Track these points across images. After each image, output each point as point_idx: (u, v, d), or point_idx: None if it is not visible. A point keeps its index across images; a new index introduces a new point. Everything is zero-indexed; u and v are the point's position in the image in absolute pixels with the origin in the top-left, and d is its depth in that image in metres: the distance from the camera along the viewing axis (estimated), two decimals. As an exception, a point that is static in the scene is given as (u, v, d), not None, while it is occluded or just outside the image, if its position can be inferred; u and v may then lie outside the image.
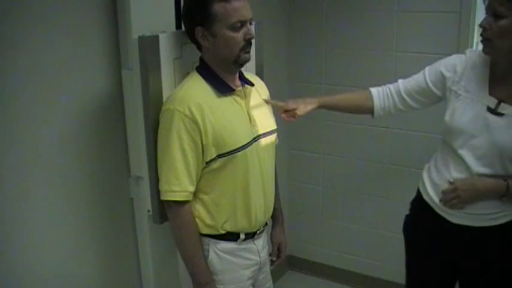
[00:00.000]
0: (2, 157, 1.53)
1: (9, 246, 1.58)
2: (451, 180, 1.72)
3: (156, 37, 1.63)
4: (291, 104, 1.81)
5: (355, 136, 2.86)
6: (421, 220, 1.89)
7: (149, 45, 1.61)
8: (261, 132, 1.72)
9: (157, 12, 1.77)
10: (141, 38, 1.60)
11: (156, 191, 1.66)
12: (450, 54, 1.85)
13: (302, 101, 1.83)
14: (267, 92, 1.86)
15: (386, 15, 2.63)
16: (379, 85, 1.96)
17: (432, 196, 1.79)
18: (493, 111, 1.64)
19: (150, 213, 1.76)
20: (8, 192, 1.56)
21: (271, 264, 1.96)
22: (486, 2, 1.58)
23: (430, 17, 2.51)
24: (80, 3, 1.69)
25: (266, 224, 1.83)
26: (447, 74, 1.75)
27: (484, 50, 1.64)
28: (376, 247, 2.97)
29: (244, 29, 1.58)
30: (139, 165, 1.75)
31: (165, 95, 1.66)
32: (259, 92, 1.79)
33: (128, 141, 1.87)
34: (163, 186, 1.61)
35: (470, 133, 1.67)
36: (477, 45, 2.59)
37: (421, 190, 1.86)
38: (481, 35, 1.60)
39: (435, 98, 1.82)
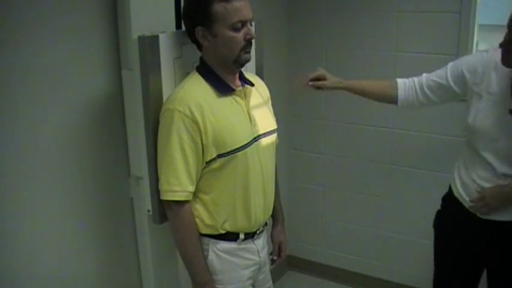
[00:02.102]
0: (2, 157, 1.53)
1: (9, 246, 1.58)
2: (478, 189, 1.75)
3: (156, 37, 1.63)
4: (322, 72, 1.90)
5: (355, 136, 2.86)
6: (451, 214, 1.92)
7: (149, 45, 1.61)
8: (261, 132, 1.72)
9: (157, 12, 1.77)
10: (141, 38, 1.60)
11: (156, 191, 1.66)
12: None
13: (331, 76, 1.90)
14: (267, 92, 1.86)
15: (386, 15, 2.63)
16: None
17: (461, 193, 1.82)
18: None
19: (150, 213, 1.76)
20: (8, 192, 1.56)
21: (272, 264, 1.96)
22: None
23: (430, 17, 2.51)
24: (80, 3, 1.69)
25: (266, 224, 1.83)
26: (468, 75, 1.75)
27: (503, 62, 1.63)
28: (376, 247, 2.97)
29: (244, 29, 1.58)
30: (139, 165, 1.75)
31: (165, 95, 1.66)
32: (259, 92, 1.79)
33: (128, 141, 1.87)
34: (163, 186, 1.61)
35: (493, 136, 1.69)
36: (477, 45, 2.60)
37: (452, 187, 1.90)
38: (502, 53, 1.60)
39: (455, 95, 1.82)
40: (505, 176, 1.69)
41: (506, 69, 1.66)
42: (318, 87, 1.92)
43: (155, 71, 1.64)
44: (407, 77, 1.96)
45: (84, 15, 1.71)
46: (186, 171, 1.58)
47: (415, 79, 1.90)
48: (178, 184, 1.59)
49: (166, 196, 1.60)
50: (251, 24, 1.61)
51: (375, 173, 2.86)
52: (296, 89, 1.89)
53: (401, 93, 1.90)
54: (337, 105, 2.84)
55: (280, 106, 2.78)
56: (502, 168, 1.69)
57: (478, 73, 1.73)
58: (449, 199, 1.91)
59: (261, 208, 1.73)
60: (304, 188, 3.13)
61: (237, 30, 1.56)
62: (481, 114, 1.71)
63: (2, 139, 1.53)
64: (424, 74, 1.91)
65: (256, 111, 1.72)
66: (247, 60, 1.63)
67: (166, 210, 1.65)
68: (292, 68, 2.96)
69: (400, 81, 1.92)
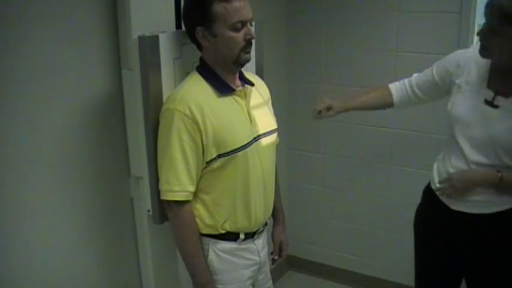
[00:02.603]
0: (2, 157, 1.53)
1: (9, 246, 1.58)
2: (449, 171, 1.81)
3: (156, 37, 1.63)
4: (328, 102, 2.03)
5: (355, 136, 2.86)
6: (428, 207, 1.96)
7: (149, 45, 1.61)
8: (261, 132, 1.72)
9: (157, 12, 1.77)
10: (141, 38, 1.60)
11: (156, 191, 1.66)
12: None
13: (335, 102, 2.03)
14: (268, 92, 1.86)
15: (386, 15, 2.63)
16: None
17: (436, 183, 1.87)
18: (489, 103, 1.70)
19: (150, 213, 1.76)
20: (8, 192, 1.56)
21: (273, 263, 1.96)
22: (487, 14, 1.62)
23: (430, 17, 2.51)
24: (80, 3, 1.69)
25: (266, 224, 1.83)
26: (451, 69, 1.83)
27: (480, 54, 1.69)
28: (376, 247, 2.97)
29: (244, 29, 1.58)
30: (139, 165, 1.75)
31: (165, 95, 1.66)
32: (259, 91, 1.79)
33: (128, 141, 1.87)
34: (163, 186, 1.61)
35: (467, 123, 1.74)
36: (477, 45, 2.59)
37: (430, 179, 1.94)
38: (480, 41, 1.66)
39: (441, 90, 1.89)
40: (476, 164, 1.74)
41: (485, 61, 1.72)
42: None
43: (155, 71, 1.64)
44: (407, 76, 1.99)
45: (84, 15, 1.70)
46: (186, 171, 1.58)
47: (405, 80, 2.01)
48: (179, 184, 1.59)
49: (167, 196, 1.60)
50: (251, 24, 1.61)
51: (375, 173, 2.86)
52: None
53: (395, 96, 2.02)
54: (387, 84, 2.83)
55: (280, 106, 2.78)
56: (473, 156, 1.74)
57: (460, 66, 1.80)
58: (427, 192, 1.97)
59: (261, 208, 1.73)
60: (304, 188, 3.13)
61: (237, 30, 1.56)
62: (459, 102, 1.78)
63: (2, 139, 1.53)
64: (414, 74, 2.00)
65: (256, 111, 1.72)
66: (247, 60, 1.63)
67: (166, 210, 1.65)
68: (292, 68, 2.96)
69: (392, 86, 2.03)
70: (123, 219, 1.96)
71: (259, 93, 1.78)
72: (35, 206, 1.64)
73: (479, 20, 2.50)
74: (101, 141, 1.83)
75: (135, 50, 1.62)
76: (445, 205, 1.84)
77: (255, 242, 1.78)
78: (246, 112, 1.68)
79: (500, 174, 1.69)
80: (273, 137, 1.79)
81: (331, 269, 3.14)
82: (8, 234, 1.58)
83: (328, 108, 2.04)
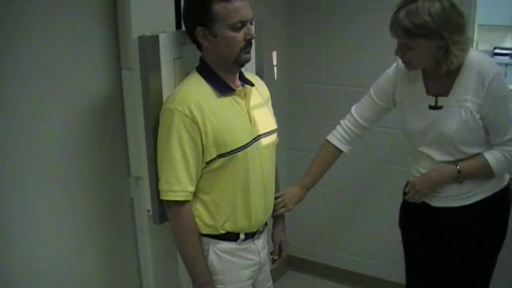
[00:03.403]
0: (2, 157, 1.53)
1: (9, 246, 1.58)
2: (410, 179, 1.92)
3: (156, 37, 1.63)
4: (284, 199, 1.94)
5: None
6: (408, 205, 2.01)
7: (149, 45, 1.61)
8: (261, 132, 1.72)
9: (157, 12, 1.77)
10: (141, 38, 1.60)
11: (156, 191, 1.66)
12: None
13: (289, 196, 1.95)
14: (267, 92, 1.86)
15: (386, 15, 2.61)
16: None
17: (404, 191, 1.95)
18: (434, 107, 1.77)
19: (150, 213, 1.76)
20: (8, 192, 1.56)
21: (273, 263, 1.96)
22: (395, 37, 1.71)
23: (430, 17, 2.51)
24: (80, 3, 1.69)
25: (266, 224, 1.83)
26: (388, 88, 1.92)
27: (407, 68, 1.79)
28: (376, 247, 2.96)
29: (244, 29, 1.58)
30: (139, 165, 1.75)
31: (165, 95, 1.66)
32: (259, 91, 1.79)
33: (128, 141, 1.87)
34: (163, 186, 1.61)
35: (422, 132, 1.82)
36: (477, 45, 2.59)
37: (409, 178, 2.00)
38: (400, 58, 1.76)
39: (384, 109, 1.98)
40: (444, 163, 1.80)
41: (416, 72, 1.81)
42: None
43: (155, 71, 1.64)
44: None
45: (84, 15, 1.70)
46: (186, 171, 1.58)
47: (346, 122, 2.02)
48: (178, 184, 1.59)
49: (166, 196, 1.60)
50: (251, 24, 1.61)
51: (375, 173, 2.86)
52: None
53: (342, 147, 2.04)
54: (337, 105, 2.83)
55: (280, 106, 2.78)
56: (440, 157, 1.80)
57: (394, 83, 1.89)
58: (404, 192, 2.02)
59: (261, 208, 1.73)
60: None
61: (237, 30, 1.56)
62: (408, 116, 1.86)
63: (2, 139, 1.53)
64: (352, 109, 2.02)
65: (256, 111, 1.72)
66: (247, 60, 1.63)
67: (166, 210, 1.65)
68: (292, 68, 2.96)
69: (332, 139, 2.04)
70: (123, 219, 1.96)
71: (259, 94, 1.78)
72: (35, 206, 1.64)
73: (479, 20, 2.50)
74: (101, 141, 1.83)
75: (135, 50, 1.62)
76: (425, 203, 1.89)
77: (255, 242, 1.78)
78: (245, 112, 1.68)
79: (458, 167, 1.77)
80: (273, 137, 1.79)
81: (331, 269, 3.14)
82: (8, 234, 1.58)
83: (285, 206, 1.94)
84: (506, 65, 5.30)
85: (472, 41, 2.45)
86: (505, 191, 1.85)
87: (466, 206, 1.82)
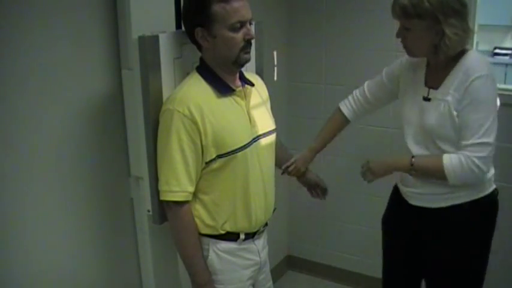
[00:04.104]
0: (2, 157, 1.53)
1: (9, 246, 1.58)
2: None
3: (156, 37, 1.63)
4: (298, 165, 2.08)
5: (354, 136, 2.85)
6: (391, 203, 2.09)
7: (149, 45, 1.61)
8: (260, 132, 1.72)
9: (157, 12, 1.77)
10: (141, 38, 1.60)
11: (156, 191, 1.66)
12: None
13: (300, 160, 2.10)
14: (266, 92, 1.86)
15: (386, 15, 2.62)
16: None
17: (397, 180, 2.00)
18: (425, 98, 1.79)
19: (150, 213, 1.76)
20: (8, 192, 1.56)
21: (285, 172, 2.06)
22: (395, 17, 1.74)
23: (430, 17, 2.51)
24: (80, 4, 1.68)
25: (266, 224, 1.83)
26: (397, 73, 1.96)
27: (408, 54, 1.82)
28: (376, 247, 2.95)
29: (244, 30, 1.58)
30: (139, 165, 1.75)
31: (165, 95, 1.66)
32: (259, 91, 1.79)
33: (128, 141, 1.87)
34: (162, 187, 1.61)
35: (409, 121, 1.86)
36: (477, 45, 2.59)
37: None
38: (401, 43, 1.79)
39: (391, 92, 2.01)
40: None
41: (421, 63, 1.84)
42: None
43: (155, 71, 1.64)
44: None
45: (84, 16, 1.70)
46: (186, 171, 1.58)
47: (357, 90, 2.11)
48: (178, 185, 1.59)
49: (166, 196, 1.60)
50: (250, 24, 1.61)
51: (375, 173, 2.85)
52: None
53: (347, 114, 2.11)
54: (337, 105, 2.84)
55: (280, 106, 2.78)
56: (417, 150, 1.83)
57: (401, 70, 1.94)
58: (393, 190, 2.09)
59: (261, 208, 1.73)
60: (304, 188, 3.12)
61: (236, 30, 1.56)
62: (404, 104, 1.90)
63: (2, 139, 1.52)
64: (365, 82, 2.08)
65: (256, 111, 1.72)
66: (247, 61, 1.63)
67: (165, 211, 1.65)
68: (292, 68, 2.96)
69: (342, 105, 2.13)
70: (123, 219, 1.96)
71: (258, 94, 1.78)
72: (34, 206, 1.64)
73: (479, 20, 2.50)
74: (101, 141, 1.83)
75: (135, 50, 1.62)
76: (405, 201, 1.93)
77: (256, 242, 1.78)
78: (245, 112, 1.68)
79: (413, 159, 1.79)
80: (272, 137, 1.79)
81: (331, 269, 3.14)
82: (8, 234, 1.58)
83: (298, 171, 2.11)
84: (506, 65, 5.30)
85: (473, 33, 2.45)
86: (486, 201, 1.83)
87: (442, 210, 1.82)
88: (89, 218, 1.83)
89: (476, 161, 1.68)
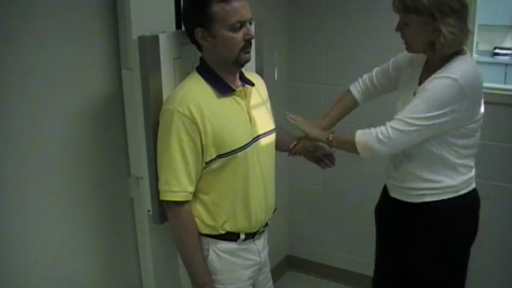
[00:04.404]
0: (2, 157, 1.53)
1: (8, 246, 1.58)
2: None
3: (156, 37, 1.63)
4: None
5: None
6: (381, 197, 2.11)
7: (149, 45, 1.61)
8: (260, 132, 1.72)
9: (157, 12, 1.77)
10: (141, 38, 1.60)
11: (156, 191, 1.66)
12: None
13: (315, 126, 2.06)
14: (265, 89, 1.86)
15: (386, 15, 2.62)
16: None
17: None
18: (414, 94, 1.79)
19: (150, 213, 1.76)
20: (8, 192, 1.56)
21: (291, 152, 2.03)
22: (395, 11, 1.76)
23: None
24: (80, 4, 1.68)
25: (267, 224, 1.83)
26: (401, 66, 1.98)
27: (406, 49, 1.83)
28: (376, 247, 2.96)
29: (244, 30, 1.58)
30: (139, 165, 1.75)
31: (165, 95, 1.66)
32: (258, 91, 1.79)
33: (128, 141, 1.87)
34: (162, 187, 1.61)
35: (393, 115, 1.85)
36: (477, 45, 2.59)
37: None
38: (401, 38, 1.81)
39: (394, 84, 2.00)
40: (405, 155, 1.84)
41: (420, 60, 1.85)
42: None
43: (155, 71, 1.64)
44: None
45: (84, 16, 1.70)
46: (186, 171, 1.58)
47: (366, 75, 2.11)
48: (178, 184, 1.59)
49: (166, 196, 1.61)
50: (250, 24, 1.61)
51: (375, 173, 2.85)
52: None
53: (357, 96, 2.11)
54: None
55: (280, 106, 2.77)
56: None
57: (406, 64, 1.94)
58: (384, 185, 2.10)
59: (261, 208, 1.73)
60: (304, 188, 3.13)
61: (236, 30, 1.56)
62: (398, 96, 1.92)
63: (2, 139, 1.52)
64: (375, 68, 2.11)
65: (256, 111, 1.72)
66: (247, 61, 1.63)
67: (165, 211, 1.65)
68: (292, 68, 2.96)
69: (352, 87, 2.13)
70: (123, 219, 1.96)
71: (258, 93, 1.78)
72: (34, 206, 1.64)
73: (479, 20, 2.50)
74: (101, 141, 1.83)
75: (135, 50, 1.62)
76: (388, 193, 1.97)
77: (256, 242, 1.78)
78: (246, 112, 1.68)
79: (331, 136, 1.91)
80: (272, 137, 1.79)
81: (331, 269, 3.14)
82: (8, 234, 1.58)
83: (305, 149, 2.07)
84: (506, 65, 5.29)
85: (472, 34, 2.45)
86: (459, 201, 1.82)
87: (416, 206, 1.84)
88: (89, 218, 1.83)
89: (389, 129, 1.72)
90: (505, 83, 5.06)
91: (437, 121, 1.68)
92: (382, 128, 1.74)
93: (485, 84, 2.60)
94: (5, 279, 1.58)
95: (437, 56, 1.72)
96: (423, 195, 1.83)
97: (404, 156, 1.85)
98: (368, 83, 2.09)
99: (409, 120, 1.70)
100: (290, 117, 1.96)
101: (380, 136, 1.74)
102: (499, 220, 2.62)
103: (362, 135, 1.80)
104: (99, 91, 1.79)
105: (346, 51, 2.78)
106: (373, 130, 1.76)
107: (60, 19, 1.62)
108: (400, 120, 1.71)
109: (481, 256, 2.15)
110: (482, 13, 2.48)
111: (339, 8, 2.75)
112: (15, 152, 1.56)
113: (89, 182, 1.81)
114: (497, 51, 5.39)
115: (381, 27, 2.65)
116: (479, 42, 2.54)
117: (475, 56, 2.55)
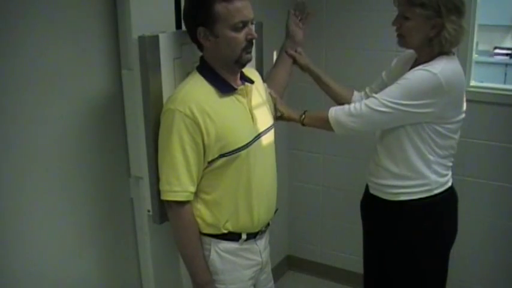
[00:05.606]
0: (2, 157, 1.53)
1: (8, 246, 1.58)
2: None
3: (156, 37, 1.63)
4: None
5: (355, 136, 2.85)
6: (365, 190, 2.10)
7: (149, 45, 1.61)
8: (261, 130, 1.72)
9: (157, 12, 1.77)
10: (141, 38, 1.60)
11: (156, 191, 1.66)
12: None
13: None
14: (262, 83, 1.87)
15: (386, 15, 2.62)
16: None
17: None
18: None
19: (150, 213, 1.76)
20: (8, 192, 1.56)
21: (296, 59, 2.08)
22: (396, 4, 1.78)
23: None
24: (80, 3, 1.68)
25: (268, 224, 1.83)
26: (393, 68, 2.00)
27: (399, 43, 1.84)
28: (376, 247, 2.96)
29: (246, 29, 1.58)
30: (139, 165, 1.75)
31: (165, 95, 1.66)
32: (257, 88, 1.79)
33: (128, 141, 1.87)
34: (163, 186, 1.61)
35: None
36: (477, 45, 2.59)
37: None
38: (396, 31, 1.81)
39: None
40: (380, 143, 1.90)
41: (409, 61, 1.87)
42: (294, 59, 2.15)
43: (155, 71, 1.64)
44: None
45: (84, 15, 1.70)
46: (187, 171, 1.58)
47: (367, 88, 2.12)
48: (179, 184, 1.59)
49: (167, 196, 1.60)
50: (252, 24, 1.61)
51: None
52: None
53: (356, 96, 2.12)
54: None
55: (280, 106, 2.77)
56: (378, 137, 1.92)
57: (397, 67, 1.96)
58: None
59: (263, 208, 1.73)
60: (304, 188, 3.13)
61: (238, 30, 1.56)
62: None
63: (2, 139, 1.52)
64: (366, 88, 2.12)
65: (257, 109, 1.72)
66: (249, 61, 1.63)
67: (167, 211, 1.65)
68: (292, 68, 2.95)
69: (355, 92, 2.14)
70: (123, 219, 1.96)
71: (258, 91, 1.78)
72: (34, 206, 1.64)
73: (479, 20, 2.50)
74: (101, 141, 1.83)
75: (135, 50, 1.62)
76: (369, 190, 1.99)
77: (257, 242, 1.78)
78: (248, 110, 1.68)
79: (303, 116, 1.97)
80: (272, 134, 1.79)
81: (331, 269, 3.14)
82: (7, 234, 1.57)
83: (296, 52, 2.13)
84: (506, 65, 5.30)
85: (468, 33, 2.45)
86: (434, 200, 1.83)
87: (393, 203, 1.86)
88: (89, 218, 1.83)
89: (363, 106, 1.76)
90: (504, 83, 5.06)
91: (411, 110, 1.71)
92: (357, 103, 1.79)
93: (485, 84, 2.62)
94: (5, 278, 1.58)
95: (436, 50, 1.73)
96: (398, 193, 1.85)
97: (383, 150, 1.88)
98: (367, 95, 2.08)
99: (383, 101, 1.74)
100: (270, 93, 1.95)
101: (352, 110, 1.79)
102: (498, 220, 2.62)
103: (335, 111, 1.84)
104: (99, 91, 1.79)
105: (346, 51, 2.78)
106: (346, 105, 1.82)
107: (60, 19, 1.62)
108: (376, 99, 1.75)
109: (462, 254, 2.16)
110: (482, 13, 2.48)
111: (339, 8, 2.75)
112: (15, 152, 1.56)
113: (89, 182, 1.81)
114: (497, 51, 5.40)
115: (381, 27, 2.64)
116: (479, 42, 2.53)
117: (475, 56, 2.55)
